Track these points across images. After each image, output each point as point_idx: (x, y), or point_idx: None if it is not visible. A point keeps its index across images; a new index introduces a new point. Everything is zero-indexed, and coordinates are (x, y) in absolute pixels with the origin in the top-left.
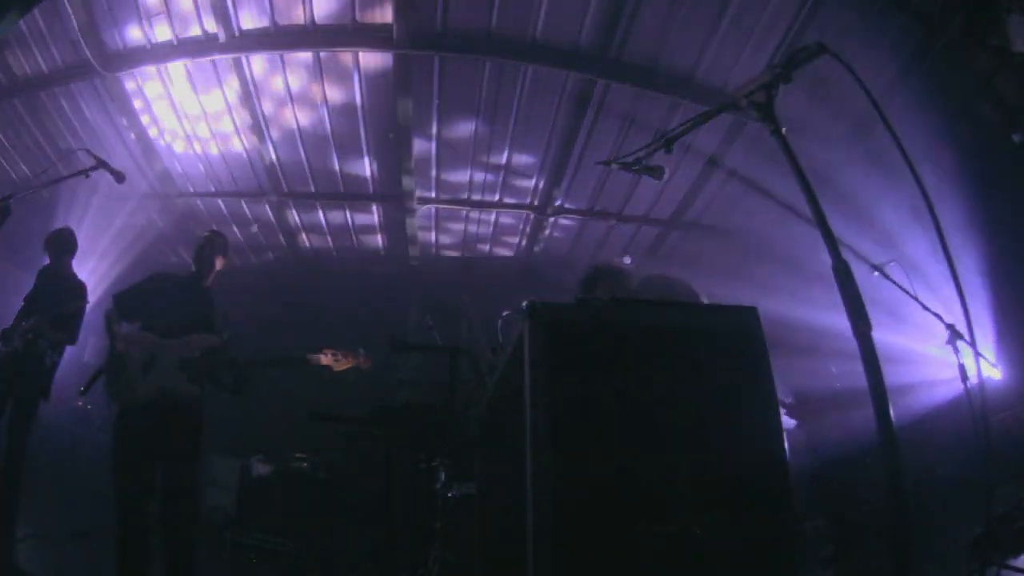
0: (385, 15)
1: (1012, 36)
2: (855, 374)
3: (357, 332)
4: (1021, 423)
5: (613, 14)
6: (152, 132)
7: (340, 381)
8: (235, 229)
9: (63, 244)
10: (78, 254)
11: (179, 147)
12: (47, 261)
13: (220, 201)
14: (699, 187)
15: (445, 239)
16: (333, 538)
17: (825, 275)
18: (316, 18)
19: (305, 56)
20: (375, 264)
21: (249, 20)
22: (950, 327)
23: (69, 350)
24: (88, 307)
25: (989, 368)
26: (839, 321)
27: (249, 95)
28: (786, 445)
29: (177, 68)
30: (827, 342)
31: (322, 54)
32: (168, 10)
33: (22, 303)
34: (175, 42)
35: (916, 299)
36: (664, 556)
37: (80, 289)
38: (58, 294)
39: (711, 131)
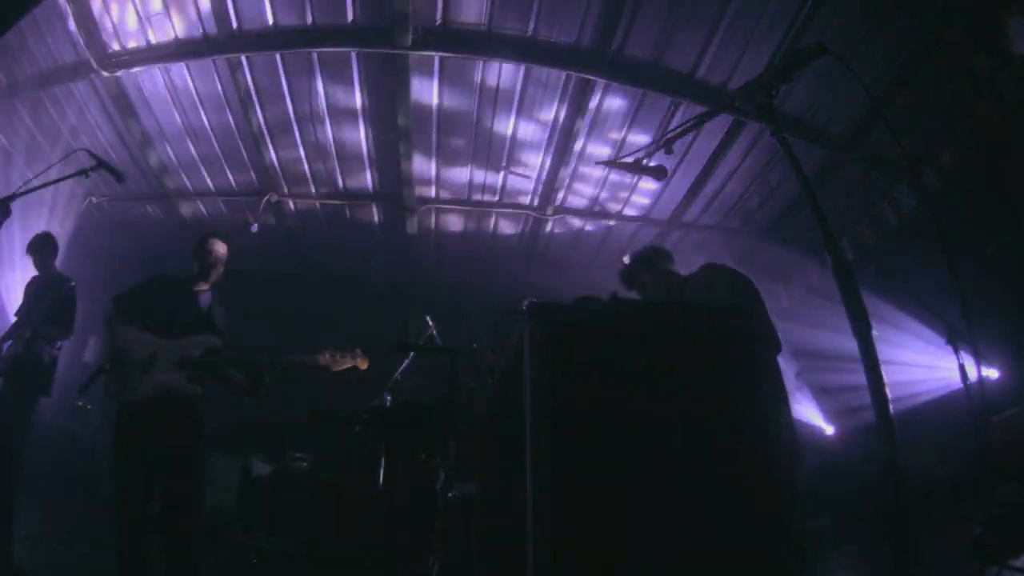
0: (384, 15)
1: (1012, 38)
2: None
3: (357, 332)
4: (1021, 423)
5: (613, 14)
6: (151, 132)
7: (340, 381)
8: (234, 229)
9: (43, 246)
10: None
11: (179, 147)
12: (34, 269)
13: (220, 200)
14: (699, 187)
15: (445, 239)
16: (333, 538)
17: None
18: (316, 18)
19: (305, 56)
20: (375, 264)
21: (249, 20)
22: (950, 327)
23: (70, 351)
24: (76, 298)
25: (989, 368)
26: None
27: (248, 95)
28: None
29: (177, 68)
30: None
31: (322, 54)
32: (168, 10)
33: (14, 317)
34: (175, 42)
35: (916, 299)
36: (663, 556)
37: (65, 281)
38: (47, 293)
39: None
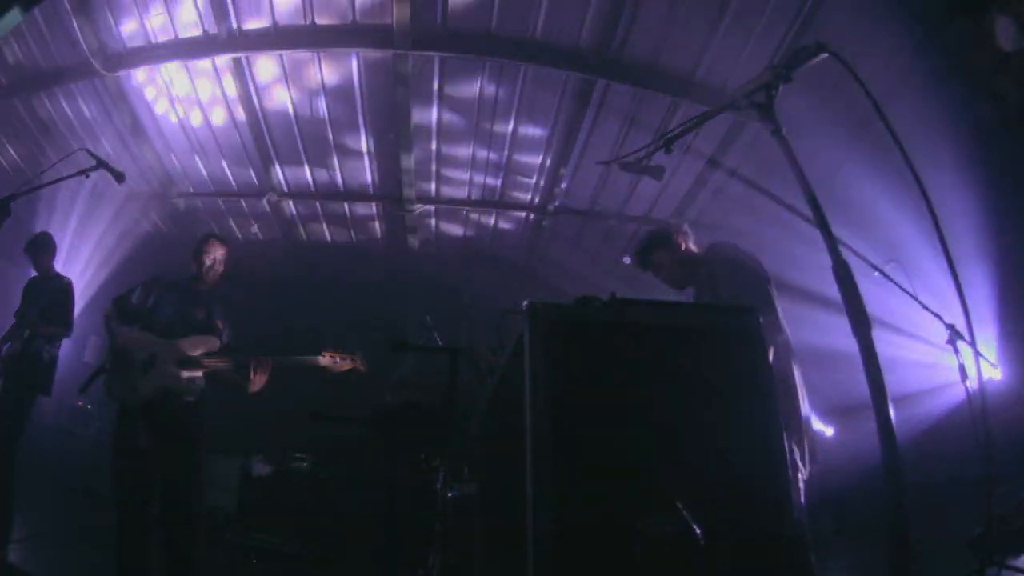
0: (385, 15)
1: (998, 36)
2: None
3: (357, 332)
4: (1021, 423)
5: (613, 14)
6: (152, 132)
7: (340, 381)
8: (235, 229)
9: (40, 247)
10: (78, 255)
11: (179, 147)
12: (31, 270)
13: (220, 201)
14: (699, 187)
15: (445, 239)
16: (333, 538)
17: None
18: (316, 18)
19: (305, 56)
20: (375, 264)
21: (249, 20)
22: (950, 327)
23: (70, 351)
24: (75, 297)
25: (989, 368)
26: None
27: (249, 95)
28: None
29: (177, 68)
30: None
31: (322, 54)
32: (168, 10)
33: (13, 319)
34: (175, 42)
35: (916, 299)
36: (664, 556)
37: (62, 280)
38: (44, 294)
39: (711, 132)
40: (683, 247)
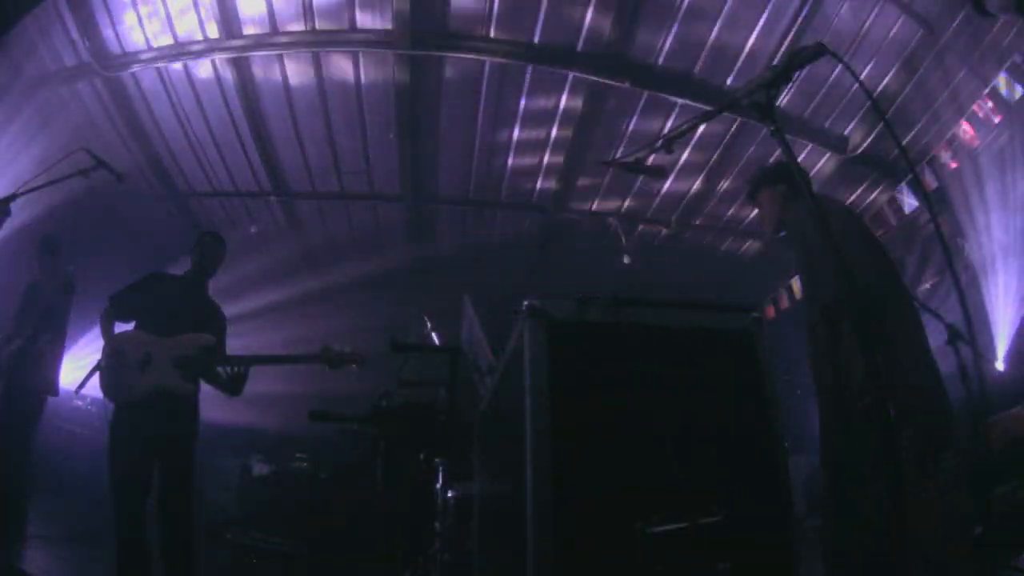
0: (385, 15)
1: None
2: None
3: (357, 332)
4: (1021, 423)
5: (615, 15)
6: (152, 132)
7: (340, 381)
8: (233, 229)
9: (43, 246)
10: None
11: (178, 147)
12: (37, 269)
13: (219, 201)
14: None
15: (446, 239)
16: (333, 538)
17: None
18: (316, 18)
19: (305, 56)
20: (375, 264)
21: (249, 20)
22: (950, 327)
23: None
24: (73, 291)
25: (989, 367)
26: None
27: (248, 95)
28: None
29: (177, 68)
30: None
31: (322, 54)
32: (168, 10)
33: (15, 320)
34: (175, 42)
35: (916, 298)
36: (663, 556)
37: (64, 278)
38: (46, 293)
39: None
40: (781, 194)
